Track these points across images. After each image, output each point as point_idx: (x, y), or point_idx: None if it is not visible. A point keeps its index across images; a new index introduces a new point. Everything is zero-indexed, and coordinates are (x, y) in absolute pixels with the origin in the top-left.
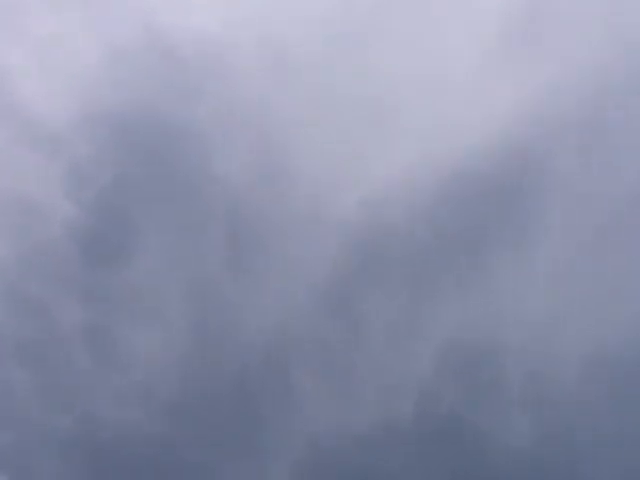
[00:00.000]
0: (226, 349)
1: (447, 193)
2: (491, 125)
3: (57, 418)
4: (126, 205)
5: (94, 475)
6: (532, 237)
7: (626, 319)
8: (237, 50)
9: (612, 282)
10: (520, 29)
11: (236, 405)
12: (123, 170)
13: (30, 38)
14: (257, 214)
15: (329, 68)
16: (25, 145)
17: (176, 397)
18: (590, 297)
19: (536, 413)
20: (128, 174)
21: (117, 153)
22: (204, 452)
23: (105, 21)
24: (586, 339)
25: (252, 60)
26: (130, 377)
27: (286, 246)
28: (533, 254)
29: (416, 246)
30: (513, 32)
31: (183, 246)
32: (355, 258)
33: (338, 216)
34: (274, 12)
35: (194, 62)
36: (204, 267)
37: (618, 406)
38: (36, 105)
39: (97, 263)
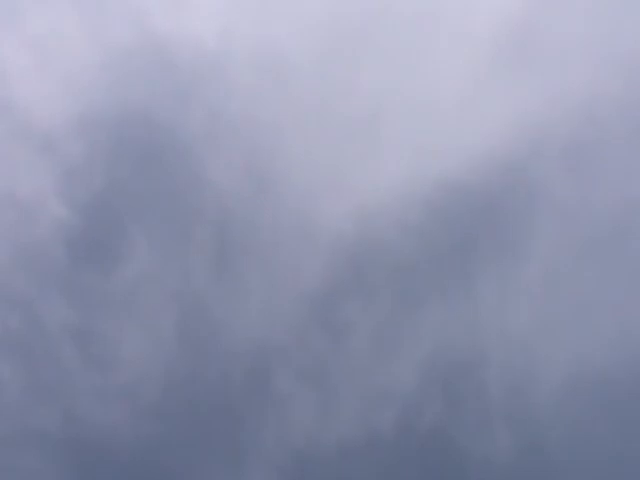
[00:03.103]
0: (211, 355)
1: (435, 207)
2: (480, 142)
3: (42, 418)
4: (117, 208)
5: (78, 474)
6: (519, 253)
7: (611, 336)
8: (232, 58)
9: (598, 298)
10: (510, 49)
11: (219, 412)
12: (115, 173)
13: (25, 39)
14: (246, 223)
15: (322, 81)
16: (17, 145)
17: (160, 401)
18: (575, 313)
19: (518, 428)
20: (120, 177)
21: (109, 156)
22: (186, 457)
23: (101, 24)
24: (570, 355)
25: (247, 69)
26: (115, 379)
27: (274, 255)
28: (519, 269)
29: (403, 259)
30: (503, 51)
31: (172, 251)
32: (342, 269)
33: (327, 228)
34: (269, 21)
35: (189, 67)
36: (191, 273)
37: (600, 422)
38: (29, 106)
39: (86, 265)
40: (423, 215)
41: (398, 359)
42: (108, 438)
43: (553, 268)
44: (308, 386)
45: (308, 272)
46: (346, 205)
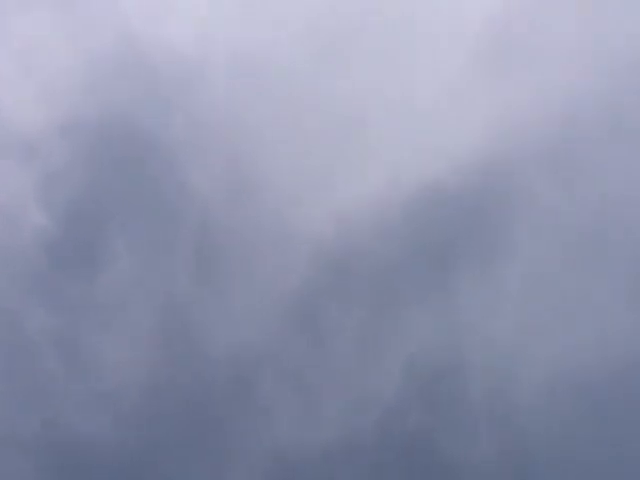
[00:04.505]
0: (194, 360)
1: (416, 210)
2: (460, 144)
3: (23, 424)
4: (98, 214)
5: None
6: (499, 256)
7: (592, 338)
8: (213, 63)
9: (579, 300)
10: (492, 50)
11: (202, 416)
12: (96, 179)
13: (5, 44)
14: (227, 228)
15: (303, 85)
16: None
17: (143, 406)
18: (556, 315)
19: (500, 430)
20: (101, 183)
21: (91, 162)
22: (169, 462)
23: (82, 29)
24: (551, 357)
25: (228, 74)
26: (97, 385)
27: (256, 260)
28: (500, 272)
29: (384, 262)
30: (485, 53)
31: (154, 256)
32: (322, 274)
33: (308, 231)
34: (251, 26)
35: (170, 72)
36: (173, 279)
37: (581, 424)
38: (10, 111)
39: (67, 271)
40: (404, 218)
41: (380, 362)
42: (90, 444)
43: (534, 270)
44: (290, 390)
45: (290, 276)
46: (327, 209)
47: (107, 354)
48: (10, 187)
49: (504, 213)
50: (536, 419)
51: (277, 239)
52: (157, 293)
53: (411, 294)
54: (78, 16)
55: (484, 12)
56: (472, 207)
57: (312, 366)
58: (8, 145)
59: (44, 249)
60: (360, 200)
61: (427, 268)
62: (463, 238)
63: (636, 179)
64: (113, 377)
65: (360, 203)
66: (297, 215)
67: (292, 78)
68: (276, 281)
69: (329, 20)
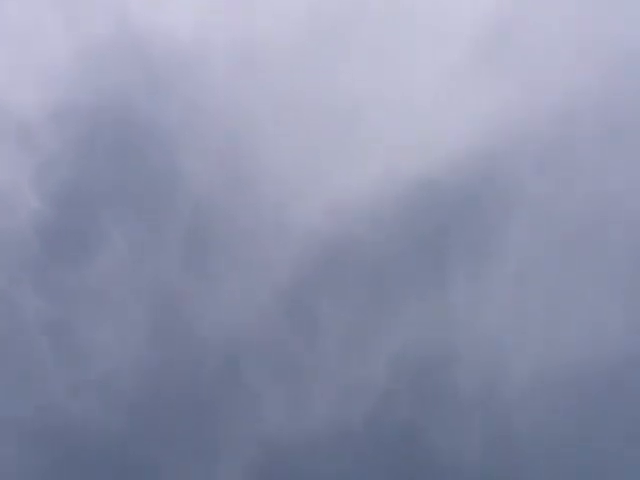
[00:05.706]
0: (184, 348)
1: (411, 205)
2: (457, 140)
3: (14, 408)
4: (91, 200)
5: (50, 464)
6: (494, 250)
7: (581, 332)
8: (209, 49)
9: (569, 296)
10: (488, 47)
11: (192, 404)
12: (90, 165)
13: (1, 29)
14: (222, 216)
15: (300, 74)
16: None
17: (133, 393)
18: (546, 310)
19: (489, 423)
20: (95, 169)
21: (85, 148)
22: (158, 448)
23: (78, 14)
24: (540, 351)
25: (224, 61)
26: (88, 371)
27: (248, 249)
28: (494, 267)
29: (377, 255)
30: (481, 50)
31: (146, 244)
32: (316, 264)
33: (302, 223)
34: (247, 13)
35: (166, 58)
36: (166, 265)
37: (569, 417)
38: (5, 97)
39: (60, 256)
40: (398, 212)
41: (370, 354)
42: (81, 429)
43: (528, 266)
44: (280, 380)
45: (282, 266)
46: (322, 201)
47: (99, 338)
48: (6, 171)
49: (496, 208)
50: (526, 413)
51: (271, 229)
52: (151, 279)
53: (405, 286)
54: (76, 1)
55: (481, 8)
56: (467, 202)
57: (302, 356)
58: (4, 129)
59: (38, 233)
60: (355, 193)
61: (422, 261)
62: (458, 233)
63: (632, 177)
64: (105, 362)
65: (355, 195)
66: (292, 206)
67: (289, 66)
68: (270, 270)
69: (329, 7)
